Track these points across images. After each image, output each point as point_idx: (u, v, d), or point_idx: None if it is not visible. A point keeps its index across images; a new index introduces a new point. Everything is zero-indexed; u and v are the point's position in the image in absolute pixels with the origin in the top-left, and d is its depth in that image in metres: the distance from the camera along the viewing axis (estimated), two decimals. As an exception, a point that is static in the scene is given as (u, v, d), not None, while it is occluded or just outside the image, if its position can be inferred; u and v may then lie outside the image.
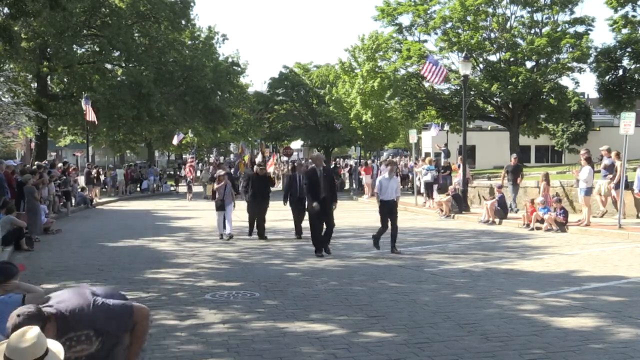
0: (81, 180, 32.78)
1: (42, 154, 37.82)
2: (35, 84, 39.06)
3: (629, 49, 40.89)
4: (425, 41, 45.05)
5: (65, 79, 40.19)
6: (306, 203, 14.54)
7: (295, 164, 25.55)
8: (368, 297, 9.37)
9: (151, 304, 8.99)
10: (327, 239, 13.75)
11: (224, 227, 16.59)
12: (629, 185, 17.91)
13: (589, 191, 17.50)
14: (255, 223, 16.76)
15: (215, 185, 17.32)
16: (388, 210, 13.89)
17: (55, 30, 33.77)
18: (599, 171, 19.23)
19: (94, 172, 33.34)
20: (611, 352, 6.58)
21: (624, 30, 40.81)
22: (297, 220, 16.57)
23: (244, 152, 36.44)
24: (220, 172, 18.63)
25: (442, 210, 22.00)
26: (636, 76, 41.60)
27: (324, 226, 14.02)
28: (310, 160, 19.32)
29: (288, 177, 19.08)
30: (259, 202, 16.71)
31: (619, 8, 40.55)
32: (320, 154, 15.54)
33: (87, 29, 39.26)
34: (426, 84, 46.02)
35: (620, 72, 42.57)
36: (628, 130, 16.24)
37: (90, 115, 32.03)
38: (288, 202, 16.84)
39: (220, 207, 16.57)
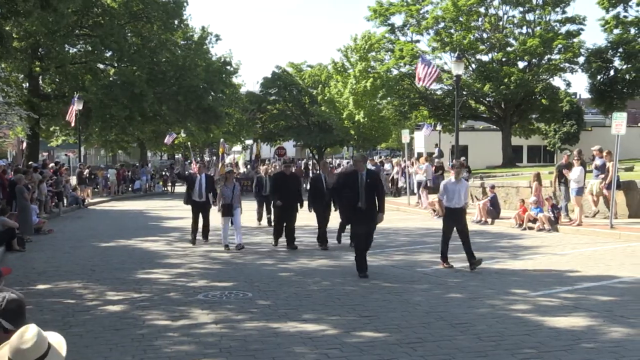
0: (73, 180, 32.68)
1: (34, 154, 37.71)
2: (27, 84, 38.89)
3: (620, 50, 41.10)
4: (418, 41, 45.24)
5: (57, 79, 40.02)
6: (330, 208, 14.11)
7: (319, 163, 24.29)
8: (360, 297, 9.38)
9: (143, 305, 9.01)
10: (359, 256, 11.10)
11: (230, 235, 14.70)
12: (620, 185, 18.00)
13: (580, 191, 17.55)
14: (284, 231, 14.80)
15: (221, 186, 15.29)
16: (456, 219, 11.75)
17: (47, 30, 33.63)
18: (590, 171, 19.31)
19: (85, 172, 33.23)
20: (603, 352, 6.61)
21: (616, 31, 41.01)
22: (323, 226, 14.65)
23: (226, 152, 36.10)
24: (229, 169, 17.29)
25: (434, 210, 22.01)
26: (627, 76, 41.80)
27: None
28: (298, 160, 18.29)
29: (313, 179, 16.72)
30: (288, 206, 14.67)
31: (610, 8, 40.76)
32: (364, 154, 13.89)
33: (79, 29, 39.10)
34: (418, 84, 46.18)
35: (612, 72, 42.78)
36: (619, 131, 16.31)
37: (70, 116, 31.83)
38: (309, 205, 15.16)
39: (227, 212, 14.60)
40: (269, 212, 18.97)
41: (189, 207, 15.87)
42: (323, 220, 14.51)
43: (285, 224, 14.72)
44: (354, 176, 11.21)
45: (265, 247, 15.09)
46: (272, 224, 18.96)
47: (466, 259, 11.52)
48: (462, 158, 22.21)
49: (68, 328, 7.72)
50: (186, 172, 22.96)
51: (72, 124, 33.00)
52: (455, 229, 11.74)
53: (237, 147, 65.33)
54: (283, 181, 14.93)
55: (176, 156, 71.26)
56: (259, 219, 19.81)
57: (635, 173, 23.61)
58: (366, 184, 10.99)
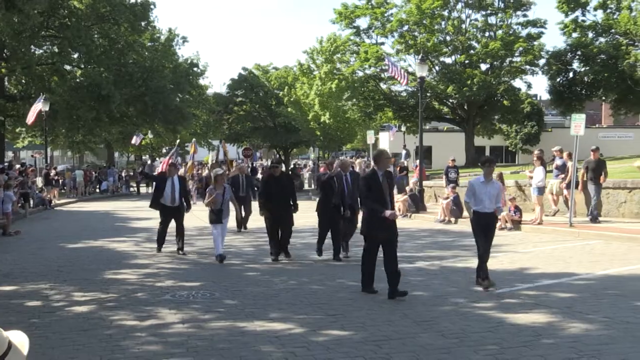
0: (39, 181, 32.34)
1: (0, 155, 37.24)
2: (-8, 85, 38.43)
3: (578, 52, 42.09)
4: (383, 43, 45.68)
5: (23, 80, 39.66)
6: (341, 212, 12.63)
7: (326, 162, 21.78)
8: (327, 295, 9.47)
9: (111, 305, 8.98)
10: (394, 277, 9.33)
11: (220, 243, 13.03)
12: (579, 185, 18.42)
13: (541, 190, 17.92)
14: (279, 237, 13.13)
15: (210, 189, 13.32)
16: (484, 226, 9.92)
17: (13, 31, 33.20)
18: (551, 171, 19.72)
19: (52, 173, 32.93)
20: (562, 347, 6.76)
21: (574, 34, 41.98)
22: (323, 234, 13.13)
23: (197, 152, 36.02)
24: (219, 170, 15.20)
25: (399, 210, 22.24)
26: (586, 79, 42.82)
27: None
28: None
29: (322, 181, 14.21)
30: (279, 210, 12.96)
31: (569, 13, 41.74)
32: (385, 151, 10.70)
33: (45, 30, 38.69)
34: (382, 86, 46.54)
35: (571, 74, 43.78)
36: (578, 131, 16.69)
37: (31, 117, 31.36)
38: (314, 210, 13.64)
39: (218, 218, 12.91)
40: (247, 215, 18.19)
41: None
42: (328, 226, 12.98)
43: (280, 232, 13.08)
44: (376, 178, 9.49)
45: (232, 247, 15.00)
46: (246, 227, 18.25)
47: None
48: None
49: (34, 329, 7.65)
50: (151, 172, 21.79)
51: (30, 122, 32.45)
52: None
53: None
54: (273, 184, 13.12)
55: (143, 157, 70.79)
56: (239, 225, 18.05)
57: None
58: (388, 185, 9.61)
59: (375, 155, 10.04)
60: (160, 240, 14.29)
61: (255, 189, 21.54)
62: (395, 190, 19.99)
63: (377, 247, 9.56)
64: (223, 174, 13.92)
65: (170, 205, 14.07)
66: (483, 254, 9.84)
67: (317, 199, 13.80)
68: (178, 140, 38.78)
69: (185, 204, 14.40)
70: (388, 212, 9.20)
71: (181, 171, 34.73)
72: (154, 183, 15.48)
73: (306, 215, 16.23)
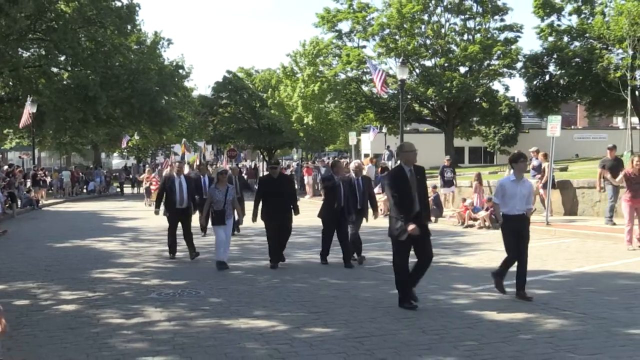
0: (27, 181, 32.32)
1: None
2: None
3: (554, 56, 42.65)
4: (364, 47, 45.80)
5: (10, 82, 39.60)
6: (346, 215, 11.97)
7: (327, 162, 20.43)
8: (310, 293, 9.59)
9: (98, 303, 9.06)
10: (416, 278, 8.86)
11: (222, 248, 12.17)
12: (555, 185, 18.75)
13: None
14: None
15: (211, 189, 12.50)
16: (516, 230, 9.14)
17: (0, 34, 33.12)
18: (528, 171, 20.04)
19: (40, 173, 32.98)
20: (539, 342, 6.90)
21: (550, 38, 42.57)
22: (328, 241, 12.36)
23: (187, 152, 36.24)
24: (222, 169, 14.33)
25: (381, 210, 22.43)
26: (561, 81, 43.41)
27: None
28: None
29: (326, 186, 12.88)
30: (279, 215, 12.09)
31: (545, 17, 42.39)
32: (406, 144, 9.28)
33: (32, 33, 38.63)
34: (364, 88, 46.78)
35: (547, 77, 44.38)
36: (554, 133, 16.99)
37: (27, 119, 31.59)
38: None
39: (220, 220, 12.07)
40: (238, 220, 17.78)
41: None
42: (332, 231, 12.28)
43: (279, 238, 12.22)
44: (403, 175, 8.62)
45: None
46: (239, 230, 17.11)
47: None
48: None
49: (22, 328, 7.72)
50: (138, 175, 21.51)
51: (27, 124, 32.67)
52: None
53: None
54: (271, 186, 12.25)
55: (127, 162, 70.95)
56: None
57: (570, 173, 24.55)
58: (417, 181, 8.63)
59: (403, 149, 8.98)
60: (172, 245, 13.35)
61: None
62: (378, 189, 20.33)
63: (407, 251, 8.85)
64: (225, 173, 12.94)
65: (179, 206, 13.17)
66: (512, 259, 9.17)
67: (321, 202, 13.12)
68: (159, 169, 38.81)
69: (192, 204, 13.48)
70: (411, 227, 8.35)
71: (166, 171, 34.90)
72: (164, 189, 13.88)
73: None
